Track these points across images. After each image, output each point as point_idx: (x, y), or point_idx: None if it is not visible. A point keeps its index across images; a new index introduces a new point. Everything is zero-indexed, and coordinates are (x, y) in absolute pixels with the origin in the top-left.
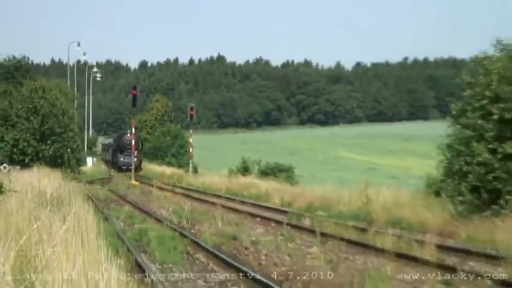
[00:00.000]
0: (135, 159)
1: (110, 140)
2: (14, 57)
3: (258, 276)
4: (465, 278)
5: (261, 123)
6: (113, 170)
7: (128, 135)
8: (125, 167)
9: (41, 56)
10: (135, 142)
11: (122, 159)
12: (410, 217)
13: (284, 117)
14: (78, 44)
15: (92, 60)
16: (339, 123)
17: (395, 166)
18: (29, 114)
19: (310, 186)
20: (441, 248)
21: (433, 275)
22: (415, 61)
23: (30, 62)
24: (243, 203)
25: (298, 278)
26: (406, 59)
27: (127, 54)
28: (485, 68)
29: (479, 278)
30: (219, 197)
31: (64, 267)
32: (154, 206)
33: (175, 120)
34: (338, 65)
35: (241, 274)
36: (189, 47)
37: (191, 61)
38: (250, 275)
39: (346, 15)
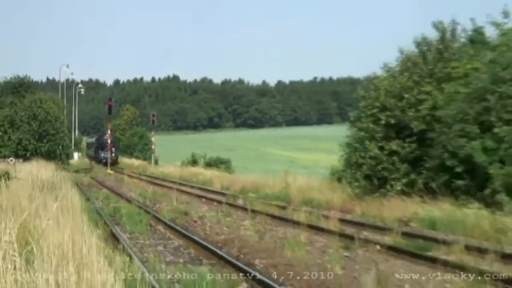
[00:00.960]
0: (113, 155)
1: (93, 139)
2: (19, 76)
3: (204, 243)
4: (360, 244)
5: (206, 127)
6: (94, 163)
7: (107, 135)
8: (104, 160)
9: (38, 75)
10: (112, 141)
11: (102, 154)
12: (319, 198)
13: (223, 122)
14: (67, 66)
15: (78, 78)
16: (265, 126)
17: (307, 159)
18: (29, 120)
19: (243, 174)
20: (342, 221)
21: (337, 241)
22: (322, 79)
23: (30, 79)
24: (192, 187)
25: (234, 243)
26: (315, 78)
27: (104, 73)
28: (375, 85)
29: (370, 243)
30: (174, 182)
31: (56, 236)
32: (125, 189)
33: (140, 124)
34: (264, 82)
35: (191, 241)
36: (152, 68)
37: (153, 79)
38: (198, 242)
39: (271, 41)
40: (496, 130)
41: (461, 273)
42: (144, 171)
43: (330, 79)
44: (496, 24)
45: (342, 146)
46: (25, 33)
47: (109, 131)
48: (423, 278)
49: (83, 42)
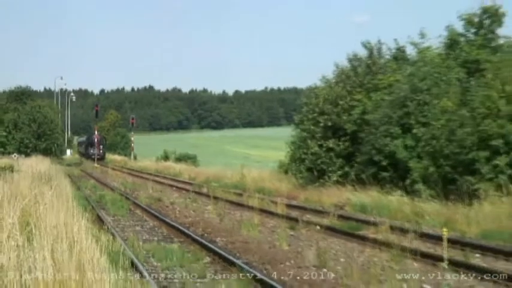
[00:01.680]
0: (101, 152)
1: (84, 138)
2: (21, 87)
3: (174, 224)
4: (303, 225)
5: (176, 128)
6: (84, 158)
7: (95, 135)
8: (93, 156)
9: (37, 85)
10: (100, 140)
11: (91, 151)
12: (269, 186)
13: (190, 124)
14: (61, 78)
15: (70, 88)
16: (225, 128)
17: (260, 155)
18: (30, 122)
19: (207, 167)
20: (288, 206)
21: (284, 222)
22: (272, 89)
23: (31, 89)
24: (164, 178)
25: (199, 224)
26: (266, 87)
27: (92, 84)
28: (315, 94)
29: (312, 224)
30: (150, 174)
31: (51, 218)
32: (109, 180)
33: (122, 126)
34: (224, 91)
35: (163, 223)
36: (131, 80)
37: (132, 89)
38: (169, 223)
39: (231, 57)
40: (414, 131)
41: (387, 248)
42: (125, 165)
43: (278, 89)
44: (414, 44)
45: (288, 144)
46: (27, 49)
47: (96, 132)
48: (355, 252)
49: (75, 57)
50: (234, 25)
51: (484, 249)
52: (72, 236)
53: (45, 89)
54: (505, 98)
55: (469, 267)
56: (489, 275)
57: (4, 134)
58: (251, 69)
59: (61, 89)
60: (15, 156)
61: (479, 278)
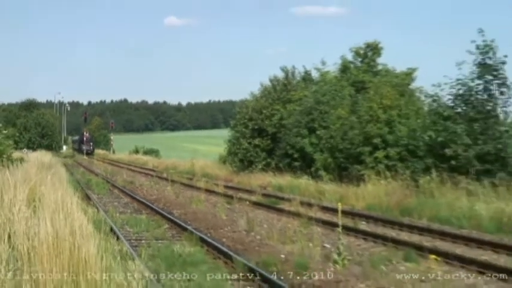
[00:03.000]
0: (91, 147)
1: (77, 137)
2: (29, 99)
3: (143, 200)
4: (237, 201)
5: (144, 130)
6: (76, 152)
7: (87, 134)
8: (84, 151)
9: (41, 97)
10: (90, 138)
11: (83, 147)
12: (212, 172)
13: (154, 127)
14: (59, 93)
15: (65, 100)
16: (180, 130)
17: (205, 150)
18: (36, 126)
19: (166, 159)
20: (226, 187)
21: (222, 199)
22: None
23: (36, 101)
24: (135, 166)
25: (161, 200)
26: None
27: (81, 97)
28: (246, 105)
29: (243, 200)
30: (124, 164)
31: (51, 196)
32: (94, 168)
33: (104, 129)
34: (179, 103)
35: (134, 199)
36: (111, 93)
37: (111, 101)
38: (139, 200)
39: (184, 75)
40: (317, 132)
41: (297, 217)
42: (106, 157)
43: (219, 101)
44: (317, 69)
45: (225, 142)
46: (34, 67)
47: (84, 133)
48: (274, 220)
49: (70, 76)
50: (182, 53)
51: (368, 218)
52: (66, 209)
53: (47, 101)
54: (382, 109)
55: (357, 231)
56: (371, 236)
57: (17, 134)
58: (199, 86)
59: (59, 101)
60: (24, 151)
61: (364, 239)
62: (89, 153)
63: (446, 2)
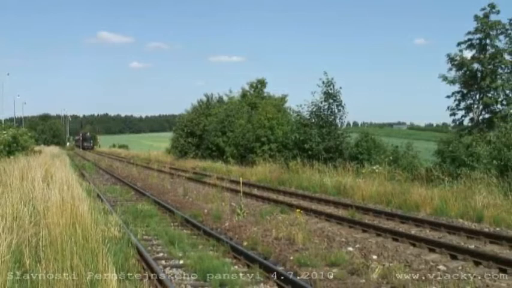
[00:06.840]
0: (90, 144)
1: (79, 137)
2: (45, 113)
3: (118, 176)
4: (177, 176)
5: (118, 132)
6: (77, 147)
7: (87, 134)
8: (85, 147)
9: (53, 111)
10: (89, 137)
11: (85, 144)
12: (161, 159)
13: (125, 131)
14: (64, 109)
15: (68, 113)
16: (141, 133)
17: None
18: (49, 130)
19: (132, 151)
20: (170, 168)
21: (168, 175)
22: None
23: (49, 114)
24: (113, 155)
25: (129, 177)
26: (160, 114)
27: (79, 110)
28: (183, 117)
29: (181, 176)
30: (106, 154)
31: (59, 175)
32: (87, 157)
33: (93, 132)
34: (140, 116)
35: (112, 176)
36: (98, 108)
37: (98, 114)
38: (115, 176)
39: (146, 95)
40: (227, 134)
41: (215, 187)
42: (94, 150)
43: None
44: (227, 95)
45: (170, 140)
46: (48, 86)
47: (85, 133)
48: (200, 189)
49: (72, 95)
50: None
51: (258, 187)
52: (69, 183)
53: (56, 114)
54: (267, 119)
55: (252, 195)
56: (260, 198)
57: (36, 135)
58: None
59: (64, 115)
60: (42, 146)
61: (256, 200)
62: (89, 149)
63: (307, 55)
